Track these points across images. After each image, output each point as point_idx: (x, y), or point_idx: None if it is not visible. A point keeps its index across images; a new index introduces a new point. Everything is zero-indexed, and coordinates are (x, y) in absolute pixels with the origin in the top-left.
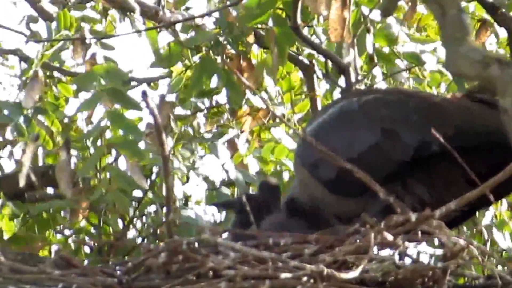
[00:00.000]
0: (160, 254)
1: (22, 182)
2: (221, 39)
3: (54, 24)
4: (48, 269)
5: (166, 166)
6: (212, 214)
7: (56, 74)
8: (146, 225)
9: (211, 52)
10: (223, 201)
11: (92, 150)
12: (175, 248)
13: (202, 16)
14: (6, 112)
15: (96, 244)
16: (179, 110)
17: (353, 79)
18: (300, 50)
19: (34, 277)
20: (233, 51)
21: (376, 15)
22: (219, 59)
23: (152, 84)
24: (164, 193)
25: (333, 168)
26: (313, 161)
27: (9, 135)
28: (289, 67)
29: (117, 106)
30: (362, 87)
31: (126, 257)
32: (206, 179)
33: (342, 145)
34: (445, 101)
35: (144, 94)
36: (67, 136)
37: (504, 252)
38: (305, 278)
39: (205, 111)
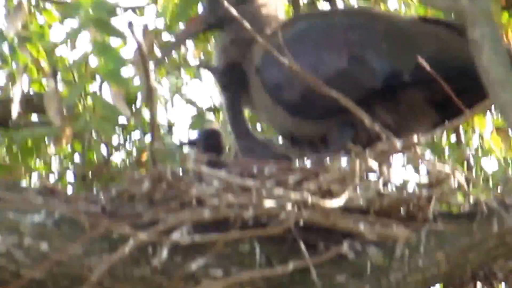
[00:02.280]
0: (143, 182)
1: (14, 113)
2: None
3: None
4: (31, 197)
5: (151, 95)
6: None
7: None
8: (130, 151)
9: None
10: (188, 140)
11: (77, 77)
12: (159, 176)
13: None
14: None
15: (80, 171)
16: (167, 36)
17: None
18: None
19: (17, 205)
20: None
21: None
22: None
23: (138, 11)
24: (148, 120)
25: (298, 90)
26: (276, 82)
27: None
28: None
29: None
30: None
31: (110, 184)
32: (191, 103)
33: (306, 68)
34: (413, 26)
35: (130, 25)
36: (54, 65)
37: (489, 178)
38: (289, 206)
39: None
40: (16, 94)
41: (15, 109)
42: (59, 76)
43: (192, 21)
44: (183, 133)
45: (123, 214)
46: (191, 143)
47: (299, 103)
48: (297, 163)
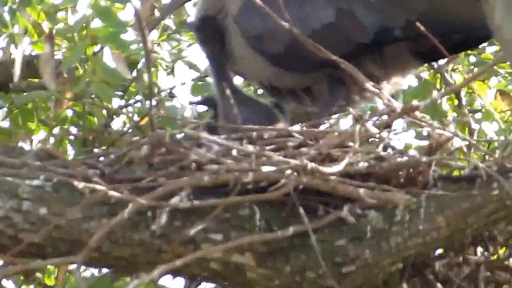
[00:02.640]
0: (142, 147)
1: (16, 77)
2: None
3: None
4: (30, 161)
5: (149, 61)
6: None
7: None
8: (130, 115)
9: None
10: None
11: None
12: (158, 140)
13: None
14: None
15: (80, 134)
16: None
17: None
18: None
19: (16, 169)
20: None
21: None
22: None
23: None
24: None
25: (281, 42)
26: (257, 33)
27: None
28: None
29: None
30: None
31: (110, 148)
32: (193, 67)
33: (293, 20)
34: None
35: None
36: (51, 29)
37: (490, 143)
38: (288, 172)
39: None
40: (17, 57)
41: (17, 73)
42: (59, 40)
43: None
44: (184, 97)
45: (122, 178)
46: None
47: (282, 55)
48: (296, 127)
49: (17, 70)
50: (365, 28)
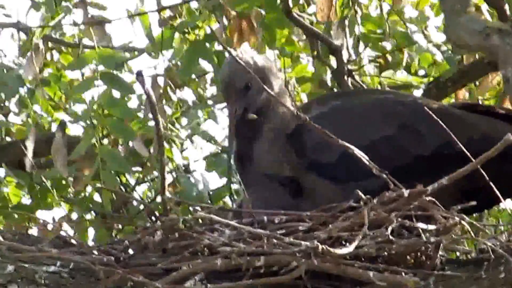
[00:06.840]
0: (156, 232)
1: (28, 167)
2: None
3: None
4: (46, 248)
5: (161, 145)
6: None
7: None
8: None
9: (212, 15)
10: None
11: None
12: (171, 226)
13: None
14: (9, 84)
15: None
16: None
17: (344, 60)
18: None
19: (33, 256)
20: (233, 13)
21: None
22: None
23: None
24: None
25: (335, 153)
26: (313, 144)
27: (13, 106)
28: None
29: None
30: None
31: (129, 224)
32: (210, 140)
33: (350, 132)
34: (464, 111)
35: (139, 74)
36: (62, 119)
37: (497, 228)
38: (300, 254)
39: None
40: (30, 138)
41: (29, 154)
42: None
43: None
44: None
45: (136, 263)
46: None
47: (336, 164)
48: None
49: (29, 151)
50: (427, 141)
